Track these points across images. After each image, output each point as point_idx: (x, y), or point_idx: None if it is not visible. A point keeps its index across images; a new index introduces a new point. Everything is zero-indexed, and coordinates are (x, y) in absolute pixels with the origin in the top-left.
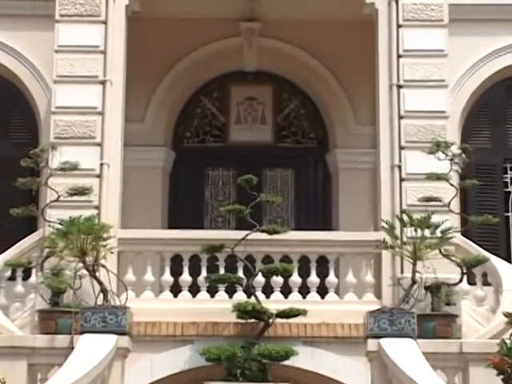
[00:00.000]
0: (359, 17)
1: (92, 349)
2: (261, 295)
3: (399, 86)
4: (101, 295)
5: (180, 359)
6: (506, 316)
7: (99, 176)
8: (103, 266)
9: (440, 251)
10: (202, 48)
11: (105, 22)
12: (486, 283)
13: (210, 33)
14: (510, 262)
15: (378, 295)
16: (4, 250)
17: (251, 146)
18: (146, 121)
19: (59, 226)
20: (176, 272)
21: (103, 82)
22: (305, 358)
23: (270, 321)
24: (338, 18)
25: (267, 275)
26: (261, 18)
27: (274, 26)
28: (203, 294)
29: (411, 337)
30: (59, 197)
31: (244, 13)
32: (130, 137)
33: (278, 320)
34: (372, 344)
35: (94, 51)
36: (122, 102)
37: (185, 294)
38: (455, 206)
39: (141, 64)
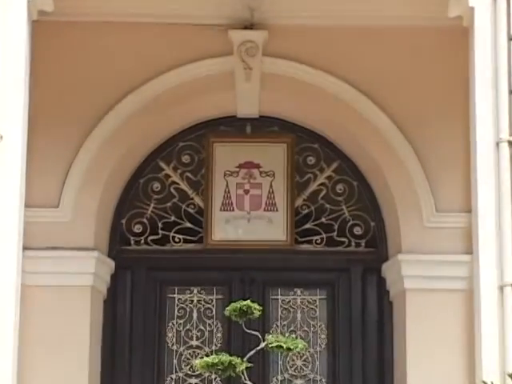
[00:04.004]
0: (439, 22)
1: None
2: None
3: None
4: None
5: None
6: None
7: None
8: None
9: None
10: (164, 76)
11: None
12: None
13: (179, 50)
14: None
15: None
16: None
17: (250, 250)
18: (64, 205)
19: None
20: None
21: None
22: None
23: None
24: (401, 23)
25: None
26: (267, 25)
27: (290, 39)
28: None
29: None
30: None
31: (239, 15)
32: (35, 234)
33: None
34: None
35: None
36: (21, 173)
37: None
38: None
39: (55, 106)
